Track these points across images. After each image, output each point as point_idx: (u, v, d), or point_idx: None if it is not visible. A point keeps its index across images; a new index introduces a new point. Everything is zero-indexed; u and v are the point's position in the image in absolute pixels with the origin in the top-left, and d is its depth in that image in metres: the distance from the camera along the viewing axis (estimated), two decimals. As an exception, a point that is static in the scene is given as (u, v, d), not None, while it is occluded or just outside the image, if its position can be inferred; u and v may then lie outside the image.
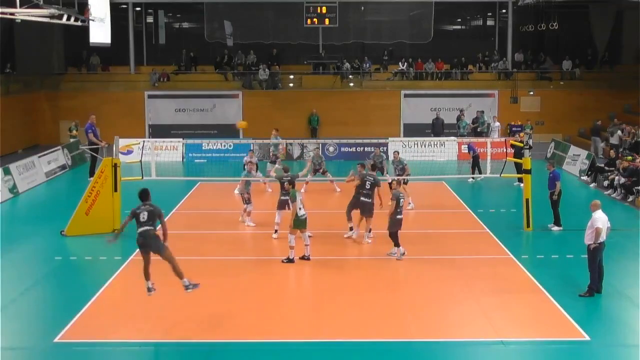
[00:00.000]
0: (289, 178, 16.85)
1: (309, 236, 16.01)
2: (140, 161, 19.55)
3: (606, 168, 24.59)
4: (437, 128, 31.73)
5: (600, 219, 13.53)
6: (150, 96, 35.04)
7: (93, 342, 11.80)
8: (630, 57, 35.83)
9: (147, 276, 12.37)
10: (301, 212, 15.49)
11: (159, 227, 12.37)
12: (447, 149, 30.27)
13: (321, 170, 23.35)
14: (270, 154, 25.44)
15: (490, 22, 40.17)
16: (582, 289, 13.74)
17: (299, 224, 15.46)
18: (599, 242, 13.47)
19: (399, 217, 15.78)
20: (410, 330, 12.21)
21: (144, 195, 12.32)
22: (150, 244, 12.06)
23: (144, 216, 12.02)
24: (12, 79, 34.73)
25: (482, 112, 31.99)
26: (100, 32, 23.29)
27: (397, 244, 15.93)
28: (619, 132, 28.79)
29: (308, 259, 15.76)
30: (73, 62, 38.05)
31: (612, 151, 25.60)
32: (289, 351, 11.44)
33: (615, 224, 15.32)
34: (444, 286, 14.40)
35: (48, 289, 14.75)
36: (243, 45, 37.21)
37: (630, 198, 22.05)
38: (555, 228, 18.48)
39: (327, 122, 34.36)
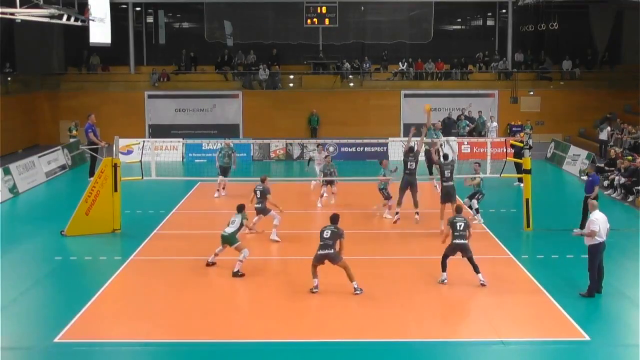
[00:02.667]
0: (261, 189, 17.27)
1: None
2: (140, 161, 19.58)
3: (606, 168, 24.59)
4: (449, 127, 31.31)
5: (598, 220, 13.51)
6: (150, 96, 35.06)
7: (93, 342, 11.81)
8: (630, 57, 35.82)
9: (314, 275, 13.91)
10: (228, 229, 14.99)
11: None
12: (447, 149, 30.15)
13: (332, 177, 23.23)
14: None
15: (490, 22, 40.15)
16: (582, 289, 13.74)
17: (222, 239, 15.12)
18: (598, 242, 13.46)
19: (455, 242, 14.22)
20: (410, 330, 12.21)
21: (334, 218, 14.03)
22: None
23: (326, 234, 13.74)
24: (12, 78, 34.74)
25: (460, 116, 31.98)
26: (100, 32, 23.23)
27: (443, 268, 14.56)
28: (608, 128, 28.83)
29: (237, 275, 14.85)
30: (73, 62, 38.04)
31: (612, 151, 25.61)
32: (289, 351, 11.45)
33: (615, 224, 15.32)
34: (444, 286, 14.40)
35: (48, 289, 14.75)
36: (243, 45, 37.18)
37: (630, 198, 22.05)
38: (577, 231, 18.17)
39: (327, 122, 34.36)
